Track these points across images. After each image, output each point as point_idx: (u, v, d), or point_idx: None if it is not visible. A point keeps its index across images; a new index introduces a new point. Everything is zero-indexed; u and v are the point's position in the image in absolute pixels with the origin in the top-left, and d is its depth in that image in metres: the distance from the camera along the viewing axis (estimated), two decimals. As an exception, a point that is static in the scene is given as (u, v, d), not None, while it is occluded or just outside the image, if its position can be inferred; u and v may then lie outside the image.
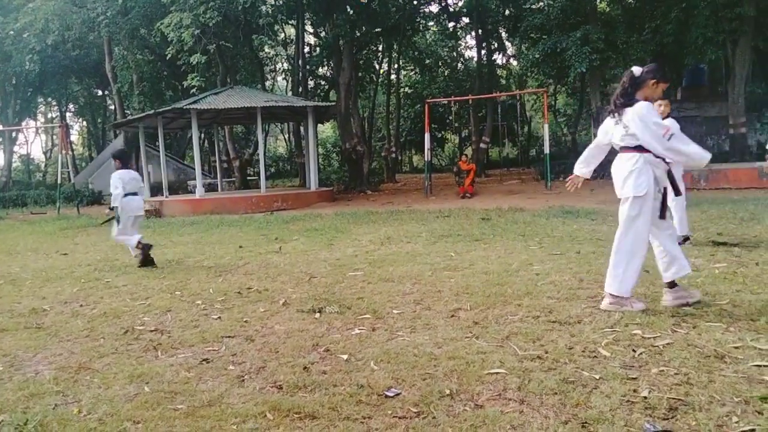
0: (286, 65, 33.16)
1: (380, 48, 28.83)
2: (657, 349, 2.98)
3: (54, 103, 38.15)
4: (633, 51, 19.46)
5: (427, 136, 17.04)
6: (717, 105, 22.30)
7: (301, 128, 22.37)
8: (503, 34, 27.57)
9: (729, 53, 16.90)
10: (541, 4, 19.53)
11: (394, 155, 30.03)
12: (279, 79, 36.90)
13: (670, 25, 16.82)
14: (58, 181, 19.13)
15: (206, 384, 2.88)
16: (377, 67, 30.56)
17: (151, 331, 3.89)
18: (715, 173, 13.10)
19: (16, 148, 36.04)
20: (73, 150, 38.30)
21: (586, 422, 2.23)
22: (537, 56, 18.85)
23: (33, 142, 45.98)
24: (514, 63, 32.92)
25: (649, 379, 2.61)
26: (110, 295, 5.10)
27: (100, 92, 34.88)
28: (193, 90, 16.98)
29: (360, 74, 26.45)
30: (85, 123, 41.31)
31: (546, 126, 16.90)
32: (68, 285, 5.69)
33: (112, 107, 32.76)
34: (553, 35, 17.85)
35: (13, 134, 30.74)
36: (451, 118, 31.09)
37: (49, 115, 40.82)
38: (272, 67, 33.51)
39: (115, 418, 2.51)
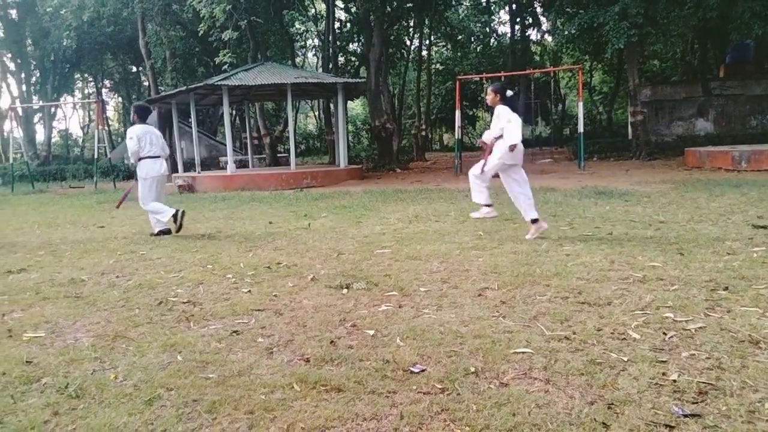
0: (316, 41, 33.03)
1: (411, 23, 28.43)
2: (688, 332, 2.93)
3: (90, 79, 38.93)
4: (674, 26, 18.73)
5: (458, 113, 16.83)
6: (763, 83, 21.40)
7: (331, 105, 22.34)
8: (538, 9, 26.85)
9: (777, 28, 16.10)
10: (579, -24, 18.87)
11: (424, 133, 29.79)
12: (309, 55, 36.85)
13: (715, -2, 16.08)
14: (95, 156, 19.63)
15: (236, 355, 2.96)
16: (408, 43, 30.19)
17: (184, 302, 4.00)
18: (758, 154, 12.63)
19: (55, 124, 37.01)
20: (109, 125, 39.11)
21: (612, 403, 2.22)
22: (573, 32, 18.32)
23: (71, 117, 47.26)
24: (549, 39, 32.11)
25: (679, 362, 2.57)
26: (145, 268, 5.25)
27: (134, 68, 35.40)
28: (225, 66, 17.07)
29: (391, 50, 26.19)
30: (120, 99, 42.09)
31: (581, 104, 16.47)
32: (105, 257, 5.87)
33: (146, 83, 33.27)
34: (589, 10, 17.26)
35: (53, 110, 31.54)
36: (482, 95, 30.57)
37: (86, 91, 41.73)
38: (302, 43, 33.42)
39: (149, 385, 2.60)
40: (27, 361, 2.96)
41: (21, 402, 2.49)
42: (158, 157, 7.15)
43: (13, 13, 27.72)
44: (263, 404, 2.36)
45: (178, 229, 6.99)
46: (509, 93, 5.87)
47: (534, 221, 5.79)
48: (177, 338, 3.23)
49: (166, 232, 7.10)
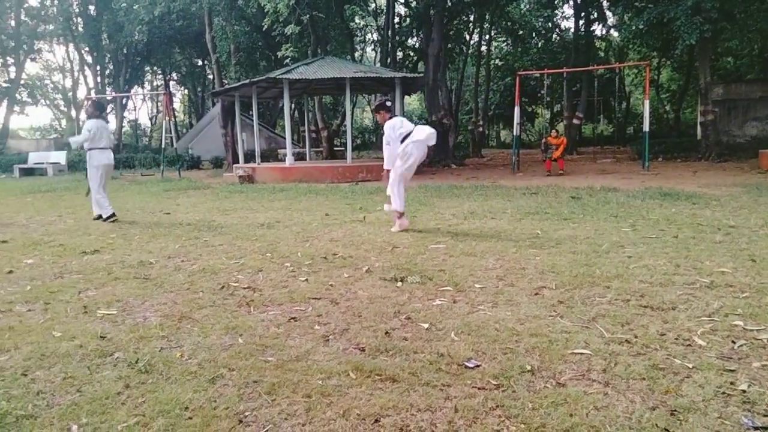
0: (375, 36, 33.18)
1: (471, 18, 28.08)
2: (760, 342, 2.79)
3: (159, 72, 40.61)
4: (752, 21, 17.68)
5: (517, 109, 16.52)
6: None
7: (389, 100, 22.38)
8: (604, 3, 25.95)
9: None
10: (650, -31, 18.09)
11: (481, 129, 29.44)
12: (368, 50, 37.07)
13: (800, -10, 15.06)
14: (162, 146, 20.49)
15: (294, 341, 3.04)
16: (467, 38, 29.85)
17: (245, 288, 4.14)
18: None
19: (125, 114, 38.81)
20: (175, 117, 40.70)
21: (675, 410, 2.15)
22: (641, 27, 17.59)
23: (140, 108, 49.48)
24: (615, 34, 31.00)
25: (750, 372, 2.46)
26: (208, 253, 5.46)
27: (200, 62, 36.67)
28: (287, 60, 17.42)
29: (449, 45, 25.96)
30: (186, 91, 43.72)
31: (647, 102, 15.82)
32: (171, 242, 6.14)
33: (210, 77, 34.39)
34: (660, 4, 16.53)
35: (124, 100, 33.13)
36: (543, 92, 29.91)
37: (155, 83, 43.55)
38: (362, 37, 33.64)
39: (213, 365, 2.72)
40: (101, 336, 3.15)
41: (96, 374, 2.66)
42: (106, 148, 8.03)
43: (92, 8, 29.30)
44: (320, 389, 2.42)
45: (103, 220, 7.86)
46: (389, 103, 6.80)
47: (400, 215, 6.51)
48: (238, 322, 3.35)
49: (111, 216, 7.86)
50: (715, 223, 6.21)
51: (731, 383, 2.36)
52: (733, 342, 2.80)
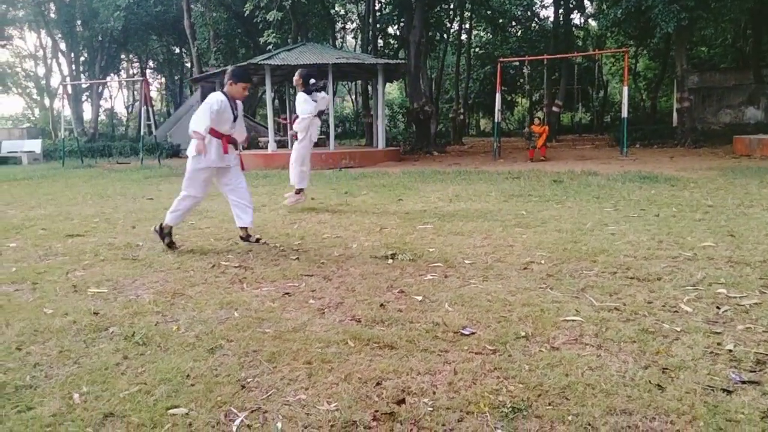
0: (356, 24, 32.97)
1: (452, 6, 28.07)
2: (743, 308, 2.89)
3: (135, 59, 39.81)
4: (727, 10, 17.99)
5: (498, 96, 16.61)
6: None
7: (369, 87, 22.34)
8: (583, -8, 26.18)
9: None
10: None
11: (461, 117, 29.54)
12: (348, 38, 36.83)
13: (774, -21, 15.35)
14: (141, 134, 20.15)
15: (290, 314, 3.06)
16: (448, 25, 29.84)
17: (236, 266, 4.14)
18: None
19: (101, 102, 37.99)
20: (152, 105, 39.99)
21: (666, 368, 2.23)
22: (618, 15, 17.78)
23: (116, 97, 48.47)
24: (593, 23, 31.28)
25: (735, 334, 2.55)
26: (195, 236, 5.43)
27: (177, 49, 36.04)
28: (269, 47, 17.25)
29: (430, 33, 25.93)
30: (163, 79, 42.94)
31: (625, 89, 16.02)
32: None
33: (188, 64, 33.86)
34: (638, -8, 16.74)
35: (100, 88, 32.43)
36: (522, 80, 30.07)
37: (131, 71, 42.70)
38: (342, 24, 33.40)
39: (210, 336, 2.73)
40: (94, 313, 3.13)
41: (93, 347, 2.65)
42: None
43: (65, -7, 28.55)
44: (320, 356, 2.45)
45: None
46: (312, 81, 6.76)
47: (299, 191, 7.01)
48: (232, 297, 3.36)
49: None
50: (693, 203, 6.36)
51: (718, 344, 2.45)
52: (718, 308, 2.90)
